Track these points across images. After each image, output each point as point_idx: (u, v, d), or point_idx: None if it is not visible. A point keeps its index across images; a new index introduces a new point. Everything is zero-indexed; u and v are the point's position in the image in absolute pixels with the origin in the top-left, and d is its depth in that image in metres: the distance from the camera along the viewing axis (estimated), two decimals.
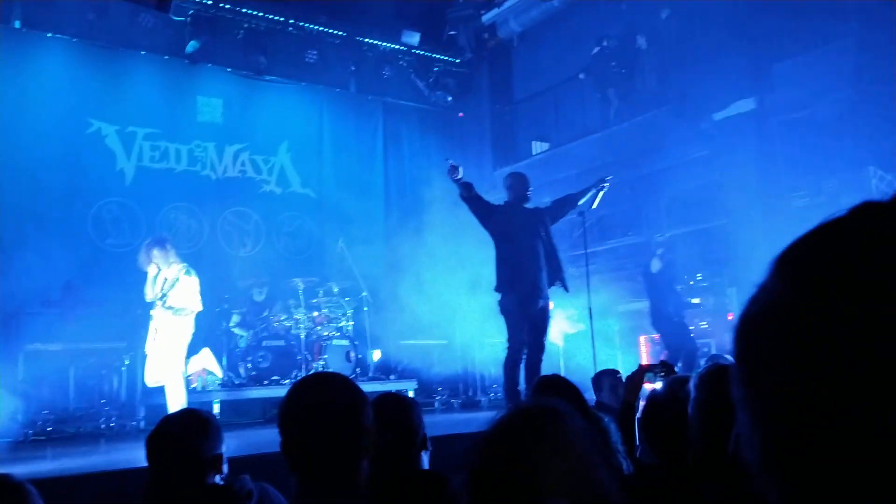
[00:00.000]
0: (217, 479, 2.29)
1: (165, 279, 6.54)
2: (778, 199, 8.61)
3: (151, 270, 6.58)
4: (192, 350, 6.79)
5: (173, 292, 6.48)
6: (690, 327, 8.51)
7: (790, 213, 8.55)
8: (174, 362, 6.44)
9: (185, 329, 6.57)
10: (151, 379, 6.52)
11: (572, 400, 2.54)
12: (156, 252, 6.52)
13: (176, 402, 6.34)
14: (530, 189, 6.27)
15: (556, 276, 6.17)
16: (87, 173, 8.98)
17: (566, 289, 6.27)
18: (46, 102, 8.78)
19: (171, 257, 6.57)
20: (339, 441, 1.66)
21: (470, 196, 6.08)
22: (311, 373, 6.21)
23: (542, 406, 1.26)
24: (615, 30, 10.39)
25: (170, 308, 6.47)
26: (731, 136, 8.85)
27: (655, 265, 8.46)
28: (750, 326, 0.50)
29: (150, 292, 6.57)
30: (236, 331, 8.68)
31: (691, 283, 9.14)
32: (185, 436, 2.28)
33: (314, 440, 1.67)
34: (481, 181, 6.50)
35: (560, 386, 2.92)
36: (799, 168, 8.64)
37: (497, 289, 6.09)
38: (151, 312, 6.56)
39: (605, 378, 4.64)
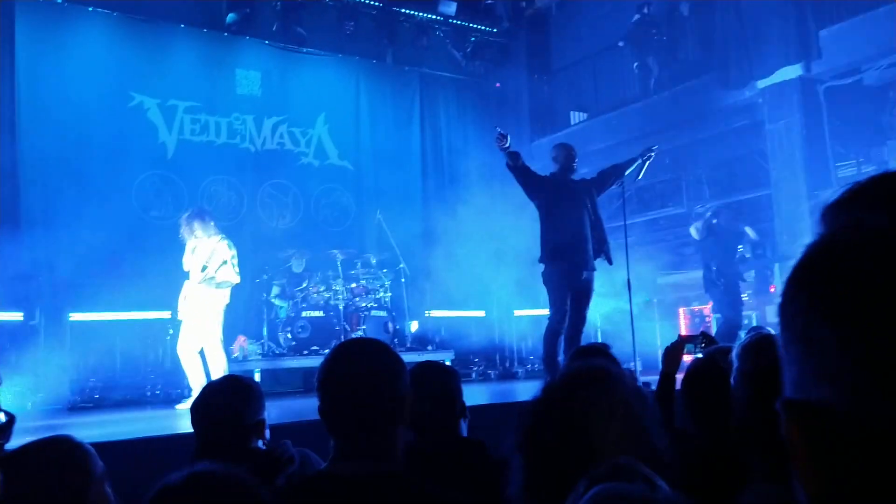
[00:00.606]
0: (259, 443, 2.34)
1: (206, 251, 6.64)
2: (824, 168, 8.41)
3: (191, 243, 6.69)
4: (228, 320, 6.88)
5: (213, 264, 6.58)
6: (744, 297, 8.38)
7: (836, 182, 8.35)
8: (212, 331, 6.54)
9: (221, 299, 6.66)
10: (183, 348, 6.53)
11: None
12: (196, 224, 6.62)
13: (217, 369, 6.45)
14: (576, 160, 6.22)
15: (601, 248, 6.13)
16: (130, 146, 9.10)
17: (610, 261, 6.22)
18: (89, 76, 8.90)
19: (211, 229, 6.68)
20: (375, 407, 1.67)
21: (517, 166, 6.02)
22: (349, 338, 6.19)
23: (594, 367, 1.26)
24: None
25: (210, 279, 6.56)
26: (775, 104, 8.64)
27: (693, 232, 8.32)
28: (845, 258, 0.48)
29: (189, 263, 6.68)
30: (276, 301, 8.80)
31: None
32: (228, 401, 2.33)
33: (351, 405, 1.68)
34: (519, 152, 6.43)
35: (599, 354, 2.90)
36: (846, 136, 8.42)
37: (541, 260, 6.05)
38: (186, 283, 6.64)
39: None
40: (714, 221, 8.21)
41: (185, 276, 6.74)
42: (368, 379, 1.69)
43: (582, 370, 1.26)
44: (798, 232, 8.31)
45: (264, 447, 2.34)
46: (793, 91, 8.44)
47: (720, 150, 9.88)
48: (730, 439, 1.54)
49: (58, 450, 1.63)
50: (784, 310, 0.52)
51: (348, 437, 1.68)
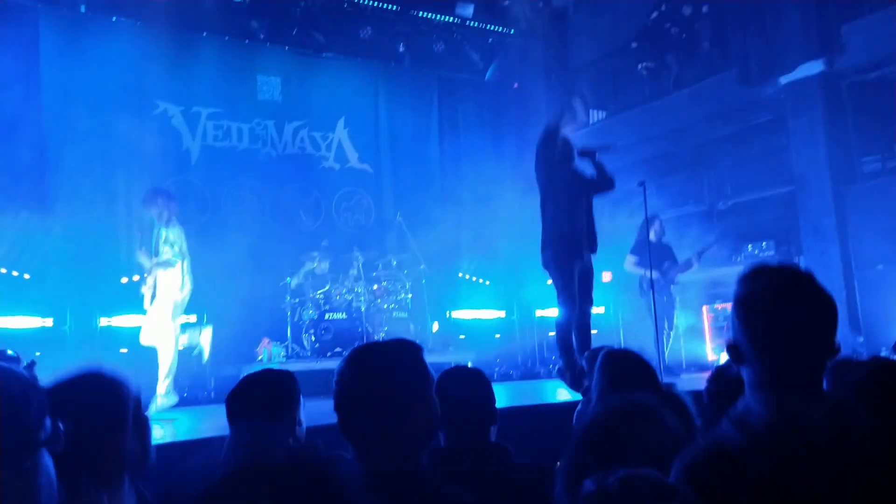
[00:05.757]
0: (292, 440, 2.36)
1: (156, 236, 6.34)
2: (848, 164, 8.34)
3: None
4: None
5: (162, 246, 6.29)
6: None
7: (861, 178, 8.28)
8: (166, 317, 6.30)
9: (174, 282, 6.35)
10: (145, 338, 6.38)
11: (646, 381, 2.50)
12: (159, 201, 6.33)
13: (165, 359, 6.24)
14: (575, 149, 6.21)
15: (589, 239, 6.07)
16: (155, 153, 9.18)
17: (593, 251, 6.13)
18: (113, 85, 9.00)
19: (165, 212, 6.33)
20: (404, 425, 1.63)
21: (556, 141, 5.97)
22: (371, 342, 5.89)
23: (638, 405, 1.28)
24: None
25: (161, 263, 6.27)
26: (798, 100, 8.57)
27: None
28: None
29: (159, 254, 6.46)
30: (300, 304, 8.87)
31: (757, 252, 8.94)
32: (268, 393, 2.37)
33: (378, 422, 1.62)
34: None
35: (631, 367, 2.66)
36: (870, 132, 8.34)
37: (544, 244, 5.99)
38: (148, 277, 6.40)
39: None
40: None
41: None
42: (393, 395, 1.64)
43: (625, 408, 1.28)
44: (822, 228, 8.25)
45: (296, 444, 2.36)
46: (815, 87, 8.37)
47: (742, 147, 9.82)
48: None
49: (96, 379, 1.66)
50: None
51: (362, 439, 1.66)
